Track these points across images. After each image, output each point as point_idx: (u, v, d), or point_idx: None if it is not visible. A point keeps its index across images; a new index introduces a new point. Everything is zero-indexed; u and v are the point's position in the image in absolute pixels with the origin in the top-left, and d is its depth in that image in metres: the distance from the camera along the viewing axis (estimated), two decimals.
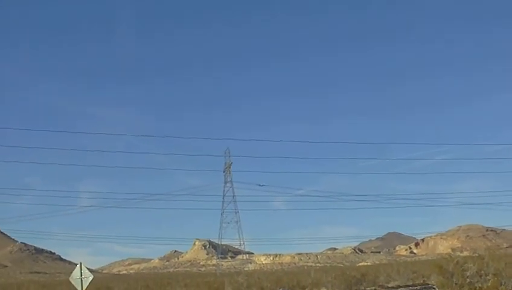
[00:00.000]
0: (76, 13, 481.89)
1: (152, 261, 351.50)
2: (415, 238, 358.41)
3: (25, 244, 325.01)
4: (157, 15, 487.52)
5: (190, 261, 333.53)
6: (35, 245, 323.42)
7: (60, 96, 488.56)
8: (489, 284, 35.37)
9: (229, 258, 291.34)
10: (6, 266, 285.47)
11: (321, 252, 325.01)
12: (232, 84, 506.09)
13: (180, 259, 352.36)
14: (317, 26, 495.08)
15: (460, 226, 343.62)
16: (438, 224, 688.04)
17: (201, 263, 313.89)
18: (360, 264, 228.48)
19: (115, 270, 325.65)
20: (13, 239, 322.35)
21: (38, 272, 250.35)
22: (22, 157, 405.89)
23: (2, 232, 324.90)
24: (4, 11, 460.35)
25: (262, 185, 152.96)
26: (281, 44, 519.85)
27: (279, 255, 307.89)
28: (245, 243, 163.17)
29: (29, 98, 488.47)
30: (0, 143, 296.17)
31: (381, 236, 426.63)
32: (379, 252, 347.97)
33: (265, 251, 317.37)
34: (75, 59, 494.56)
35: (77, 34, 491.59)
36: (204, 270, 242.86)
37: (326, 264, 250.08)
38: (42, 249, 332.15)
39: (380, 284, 73.73)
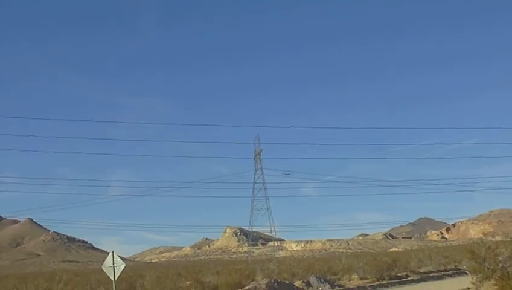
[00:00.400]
0: (103, 3, 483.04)
1: (183, 249, 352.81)
2: (446, 223, 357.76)
3: (58, 234, 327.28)
4: (182, 3, 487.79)
5: (221, 248, 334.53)
6: (67, 234, 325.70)
7: (88, 86, 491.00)
8: None
9: (260, 245, 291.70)
10: (40, 255, 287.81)
11: (352, 238, 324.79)
12: (261, 72, 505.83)
13: (211, 247, 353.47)
14: (344, 16, 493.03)
15: (492, 211, 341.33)
16: (469, 209, 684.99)
17: (232, 251, 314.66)
18: (391, 249, 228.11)
19: (146, 259, 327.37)
20: (46, 228, 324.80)
21: (71, 261, 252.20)
22: (53, 147, 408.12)
23: (35, 221, 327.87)
24: (32, 3, 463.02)
25: (288, 174, 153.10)
26: (310, 33, 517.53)
27: (310, 241, 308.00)
28: (276, 229, 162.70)
29: (58, 89, 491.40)
30: (32, 134, 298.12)
31: (412, 221, 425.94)
32: (410, 238, 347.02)
33: (296, 237, 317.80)
34: (103, 50, 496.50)
35: (104, 24, 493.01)
36: (235, 258, 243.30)
37: (357, 250, 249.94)
38: (74, 238, 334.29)
39: (412, 269, 73.53)
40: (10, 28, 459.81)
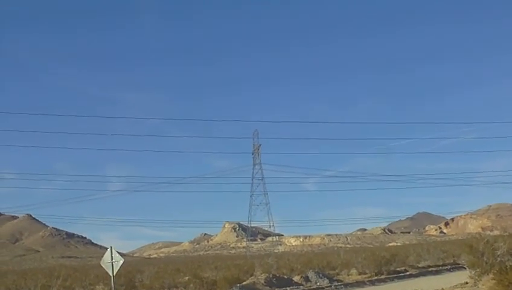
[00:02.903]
0: None
1: (182, 244, 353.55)
2: (444, 218, 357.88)
3: (57, 229, 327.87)
4: None
5: (220, 244, 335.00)
6: (66, 230, 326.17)
7: (87, 81, 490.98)
8: None
9: (259, 241, 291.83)
10: (38, 251, 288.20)
11: (351, 233, 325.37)
12: (260, 66, 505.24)
13: (210, 242, 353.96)
14: (345, 8, 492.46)
15: (490, 206, 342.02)
16: (467, 203, 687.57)
17: (231, 246, 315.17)
18: (390, 244, 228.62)
19: (145, 254, 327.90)
20: (44, 224, 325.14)
21: (70, 257, 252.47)
22: (51, 143, 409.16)
23: (33, 217, 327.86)
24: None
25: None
26: (308, 26, 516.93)
27: (309, 236, 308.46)
28: (275, 225, 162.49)
29: (57, 83, 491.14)
30: (29, 129, 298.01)
31: (410, 216, 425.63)
32: (409, 233, 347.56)
33: (294, 232, 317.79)
34: (102, 43, 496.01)
35: (104, 17, 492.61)
36: (234, 253, 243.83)
37: (356, 245, 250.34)
38: (73, 234, 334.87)
39: (410, 264, 73.66)
40: (11, 22, 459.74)
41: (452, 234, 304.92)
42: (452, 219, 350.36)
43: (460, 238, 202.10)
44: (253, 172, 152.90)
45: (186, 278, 57.40)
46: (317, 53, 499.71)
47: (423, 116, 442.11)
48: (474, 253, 38.64)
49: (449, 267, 71.64)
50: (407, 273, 65.33)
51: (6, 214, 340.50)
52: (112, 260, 33.64)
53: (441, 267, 71.64)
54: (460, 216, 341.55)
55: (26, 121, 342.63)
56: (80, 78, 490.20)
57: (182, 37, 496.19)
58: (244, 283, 53.29)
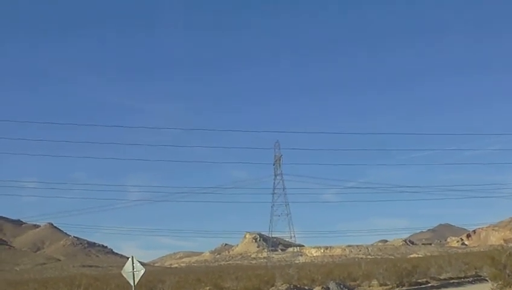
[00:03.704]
0: (124, 7, 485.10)
1: (203, 254, 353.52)
2: (466, 229, 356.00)
3: (78, 238, 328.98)
4: (203, 8, 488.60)
5: (241, 254, 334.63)
6: (87, 239, 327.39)
7: (108, 90, 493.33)
8: None
9: (280, 251, 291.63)
10: (60, 260, 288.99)
11: (372, 244, 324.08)
12: (282, 78, 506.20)
13: (231, 252, 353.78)
14: (362, 22, 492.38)
15: None
16: (489, 215, 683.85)
17: (251, 256, 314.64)
18: (411, 256, 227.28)
19: (166, 264, 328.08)
20: (66, 233, 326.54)
21: (91, 266, 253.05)
22: (73, 152, 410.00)
23: (55, 226, 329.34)
24: (53, 6, 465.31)
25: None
26: (330, 40, 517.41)
27: (330, 247, 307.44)
28: (295, 235, 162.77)
29: (78, 93, 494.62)
30: (50, 138, 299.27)
31: (432, 228, 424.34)
32: (430, 244, 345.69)
33: (315, 243, 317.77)
34: (123, 54, 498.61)
35: (125, 28, 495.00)
36: (255, 263, 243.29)
37: (377, 256, 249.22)
38: (94, 243, 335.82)
39: (432, 276, 73.23)
40: (31, 31, 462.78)
41: (474, 246, 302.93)
42: (474, 231, 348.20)
43: (482, 250, 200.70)
44: (274, 183, 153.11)
45: (207, 288, 57.45)
46: (338, 66, 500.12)
47: (447, 128, 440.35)
48: (496, 265, 38.36)
49: (471, 279, 71.19)
50: (429, 285, 65.00)
51: (28, 223, 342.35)
52: (133, 269, 33.73)
53: (462, 279, 71.18)
54: (482, 228, 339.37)
55: (48, 130, 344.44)
56: (100, 87, 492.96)
57: (203, 48, 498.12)
58: None
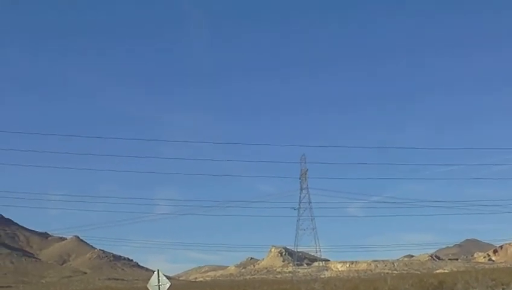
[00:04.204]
0: (151, 19, 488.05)
1: (228, 268, 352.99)
2: (493, 245, 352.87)
3: (104, 251, 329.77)
4: (231, 20, 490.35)
5: (266, 268, 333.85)
6: (113, 252, 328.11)
7: (135, 102, 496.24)
8: None
9: (305, 265, 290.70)
10: (85, 273, 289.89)
11: (398, 259, 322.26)
12: (308, 91, 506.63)
13: (256, 266, 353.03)
14: (388, 33, 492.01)
15: None
16: None
17: (277, 270, 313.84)
18: (438, 271, 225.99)
19: (191, 277, 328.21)
20: (92, 246, 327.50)
21: (116, 279, 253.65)
22: (100, 165, 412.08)
23: (81, 239, 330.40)
24: (76, 17, 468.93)
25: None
26: (358, 53, 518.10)
27: (355, 262, 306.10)
28: (321, 250, 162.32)
29: (105, 106, 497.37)
30: (77, 151, 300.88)
31: (458, 243, 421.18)
32: (457, 259, 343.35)
33: (341, 258, 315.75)
34: (150, 66, 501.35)
35: (151, 39, 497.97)
36: (280, 278, 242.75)
37: (403, 271, 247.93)
38: (120, 256, 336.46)
39: None
40: (56, 41, 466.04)
41: (501, 262, 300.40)
42: (501, 247, 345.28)
43: (509, 266, 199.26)
44: (300, 197, 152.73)
45: None
46: (364, 79, 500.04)
47: (473, 142, 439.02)
48: None
49: None
50: None
51: (54, 235, 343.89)
52: (158, 282, 33.97)
53: None
54: (509, 244, 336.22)
55: (75, 143, 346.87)
56: (127, 99, 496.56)
57: (230, 59, 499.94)
58: None
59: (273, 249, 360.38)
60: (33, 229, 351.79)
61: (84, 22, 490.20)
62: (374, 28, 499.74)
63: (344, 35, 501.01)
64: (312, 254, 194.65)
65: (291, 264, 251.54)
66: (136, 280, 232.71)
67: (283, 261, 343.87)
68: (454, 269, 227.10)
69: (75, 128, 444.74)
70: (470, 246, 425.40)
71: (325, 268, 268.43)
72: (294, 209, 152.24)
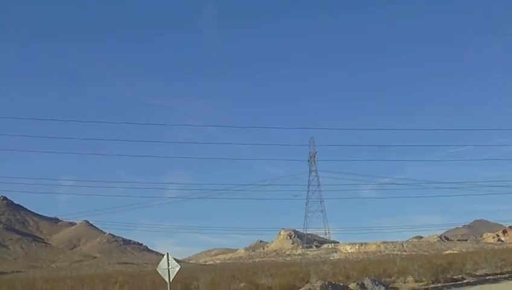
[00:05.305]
0: (161, 5, 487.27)
1: (238, 251, 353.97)
2: (502, 225, 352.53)
3: (113, 236, 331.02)
4: (241, 6, 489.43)
5: (275, 250, 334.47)
6: (123, 236, 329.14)
7: (146, 89, 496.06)
8: None
9: (314, 248, 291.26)
10: (95, 257, 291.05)
11: (407, 241, 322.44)
12: (318, 75, 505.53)
13: (266, 249, 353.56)
14: (403, 19, 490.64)
15: None
16: None
17: (286, 253, 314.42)
18: (447, 252, 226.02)
19: (201, 261, 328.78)
20: (102, 230, 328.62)
21: (126, 263, 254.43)
22: (109, 150, 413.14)
23: (90, 224, 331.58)
24: (89, 8, 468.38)
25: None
26: (368, 38, 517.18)
27: (365, 243, 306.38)
28: (330, 232, 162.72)
29: (116, 93, 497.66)
30: (88, 136, 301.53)
31: (468, 224, 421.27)
32: (466, 240, 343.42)
33: (350, 239, 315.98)
34: (159, 53, 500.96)
35: (162, 27, 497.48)
36: (289, 260, 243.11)
37: (412, 253, 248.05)
38: (130, 240, 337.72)
39: (467, 272, 72.69)
40: (66, 30, 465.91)
41: (510, 242, 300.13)
42: (510, 227, 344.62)
43: None
44: (309, 179, 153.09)
45: (242, 285, 57.42)
46: (375, 64, 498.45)
47: (482, 123, 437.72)
48: None
49: (507, 275, 70.56)
50: (465, 281, 64.53)
51: (64, 220, 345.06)
52: (168, 266, 33.88)
53: (499, 276, 70.57)
54: None
55: (85, 129, 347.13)
56: (138, 86, 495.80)
57: (240, 46, 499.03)
58: None
59: (282, 232, 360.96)
60: (43, 214, 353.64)
61: (100, 12, 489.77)
62: (386, 15, 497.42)
63: (353, 22, 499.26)
64: (321, 236, 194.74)
65: (300, 247, 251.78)
66: (146, 263, 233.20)
67: (292, 244, 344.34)
68: (463, 250, 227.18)
69: (87, 114, 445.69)
70: (479, 227, 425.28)
71: (334, 250, 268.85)
72: (295, 196, 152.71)
